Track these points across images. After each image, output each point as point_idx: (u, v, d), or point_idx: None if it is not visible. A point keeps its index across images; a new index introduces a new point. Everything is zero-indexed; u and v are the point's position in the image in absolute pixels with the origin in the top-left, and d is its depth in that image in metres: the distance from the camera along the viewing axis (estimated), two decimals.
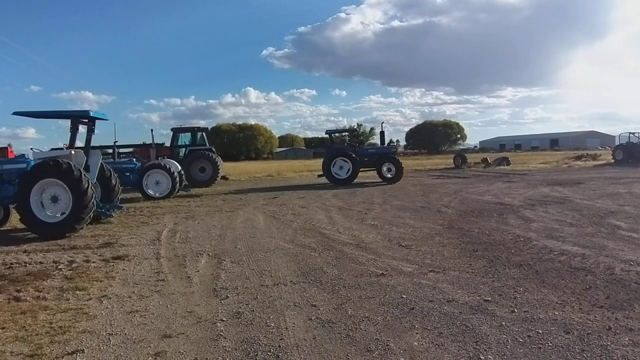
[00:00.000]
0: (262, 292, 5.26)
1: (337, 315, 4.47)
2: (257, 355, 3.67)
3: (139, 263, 6.79)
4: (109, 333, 4.17)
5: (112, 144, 20.04)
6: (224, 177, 24.00)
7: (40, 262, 6.95)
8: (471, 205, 12.18)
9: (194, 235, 8.97)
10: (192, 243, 8.18)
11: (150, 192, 16.04)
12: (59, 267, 6.62)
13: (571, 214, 9.99)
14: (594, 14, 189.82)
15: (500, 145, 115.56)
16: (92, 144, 10.95)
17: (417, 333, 4.00)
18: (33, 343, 3.95)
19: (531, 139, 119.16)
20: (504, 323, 4.14)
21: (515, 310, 4.44)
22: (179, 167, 18.11)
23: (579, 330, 3.93)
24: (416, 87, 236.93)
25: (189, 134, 23.20)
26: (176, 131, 23.09)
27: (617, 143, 37.07)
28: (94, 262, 6.86)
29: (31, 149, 10.66)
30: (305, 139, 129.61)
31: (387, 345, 3.78)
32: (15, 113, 10.04)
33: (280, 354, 3.66)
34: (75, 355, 3.73)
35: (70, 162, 9.11)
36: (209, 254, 7.25)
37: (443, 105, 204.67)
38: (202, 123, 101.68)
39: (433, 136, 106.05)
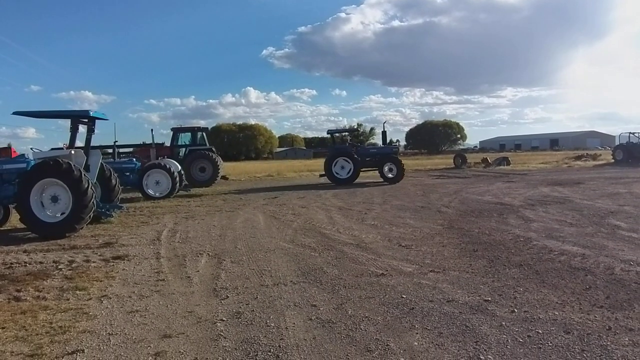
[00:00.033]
0: (262, 292, 5.26)
1: (337, 315, 4.47)
2: (257, 355, 3.67)
3: (139, 263, 6.79)
4: (109, 333, 4.17)
5: (112, 143, 20.05)
6: (224, 177, 24.00)
7: (40, 262, 6.95)
8: (471, 205, 12.18)
9: (194, 235, 8.97)
10: (192, 243, 8.18)
11: (150, 192, 16.04)
12: (59, 267, 6.62)
13: (571, 214, 9.99)
14: (594, 14, 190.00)
15: (500, 145, 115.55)
16: (92, 143, 10.95)
17: (417, 333, 4.00)
18: (33, 343, 3.95)
19: (531, 139, 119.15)
20: (504, 323, 4.14)
21: (515, 310, 4.44)
22: (179, 167, 18.11)
23: (579, 330, 3.93)
24: (416, 87, 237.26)
25: (189, 133, 23.20)
26: (176, 131, 23.10)
27: (617, 143, 37.05)
28: (94, 262, 6.86)
29: (31, 148, 10.67)
30: (305, 138, 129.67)
31: (387, 345, 3.78)
32: (15, 113, 10.05)
33: (280, 354, 3.66)
34: (75, 355, 3.73)
35: (70, 162, 9.11)
36: (209, 254, 7.25)
37: (443, 105, 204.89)
38: (202, 123, 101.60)
39: (433, 136, 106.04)
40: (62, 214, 9.11)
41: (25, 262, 6.96)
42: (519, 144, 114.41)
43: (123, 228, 9.95)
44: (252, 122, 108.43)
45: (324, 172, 20.91)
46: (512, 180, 20.13)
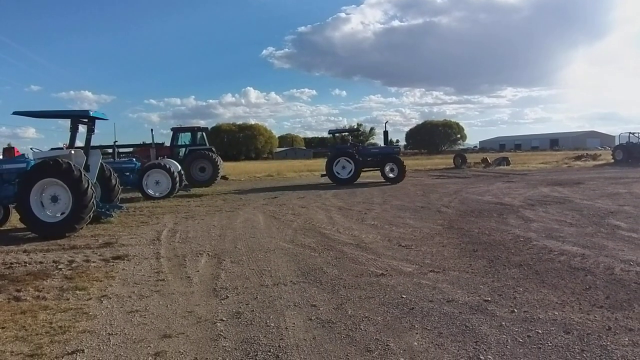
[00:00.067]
0: (262, 292, 5.26)
1: (337, 315, 4.47)
2: (257, 355, 3.67)
3: (139, 263, 6.79)
4: (109, 333, 4.17)
5: (112, 143, 20.05)
6: (224, 177, 24.00)
7: (40, 262, 6.95)
8: (471, 205, 12.18)
9: (194, 235, 8.97)
10: (192, 243, 8.18)
11: (150, 191, 16.04)
12: (59, 266, 6.62)
13: (571, 214, 9.99)
14: (594, 14, 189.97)
15: (500, 145, 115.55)
16: (92, 143, 10.96)
17: (417, 333, 4.01)
18: (33, 343, 3.95)
19: (531, 139, 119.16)
20: (503, 323, 4.15)
21: (515, 310, 4.44)
22: (179, 167, 18.11)
23: (578, 331, 3.94)
24: (416, 87, 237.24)
25: (189, 133, 23.20)
26: (176, 131, 23.10)
27: (617, 143, 37.07)
28: (94, 262, 6.86)
29: (31, 148, 10.67)
30: (305, 138, 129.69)
31: (387, 345, 3.78)
32: (15, 113, 10.05)
33: (280, 354, 3.66)
34: (75, 355, 3.74)
35: (70, 162, 9.11)
36: (209, 254, 7.25)
37: (443, 105, 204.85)
38: (202, 123, 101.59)
39: (433, 136, 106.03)
40: (62, 213, 9.11)
41: (25, 262, 6.96)
42: (518, 144, 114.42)
43: (123, 228, 9.95)
44: (252, 122, 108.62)
45: (325, 172, 20.92)
46: (512, 180, 20.13)
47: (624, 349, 3.58)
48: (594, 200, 12.13)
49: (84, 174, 9.21)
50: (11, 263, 6.91)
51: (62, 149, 10.78)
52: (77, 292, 5.37)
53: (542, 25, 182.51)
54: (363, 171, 21.05)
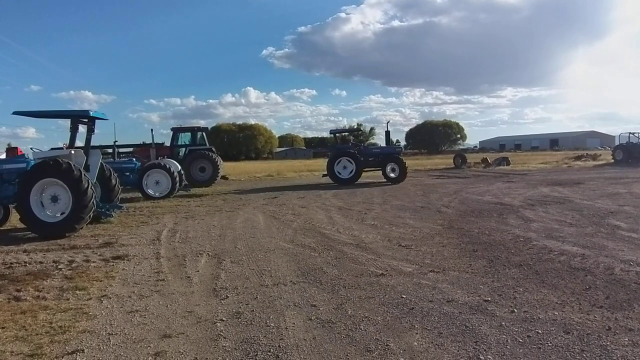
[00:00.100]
0: (262, 292, 5.26)
1: (337, 315, 4.47)
2: (257, 355, 3.67)
3: (139, 263, 6.80)
4: (108, 333, 4.17)
5: (112, 143, 20.06)
6: (224, 177, 24.00)
7: (40, 262, 6.95)
8: (471, 205, 12.18)
9: (194, 235, 8.97)
10: (192, 243, 8.18)
11: (150, 191, 16.04)
12: (59, 266, 6.62)
13: (571, 214, 9.99)
14: (594, 14, 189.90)
15: (500, 145, 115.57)
16: (92, 143, 10.96)
17: (416, 333, 4.01)
18: (33, 343, 3.95)
19: (531, 139, 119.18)
20: (503, 323, 4.15)
21: (515, 311, 4.44)
22: (179, 167, 18.11)
23: (578, 331, 3.94)
24: (416, 87, 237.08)
25: (189, 133, 23.21)
26: (176, 131, 23.10)
27: (617, 143, 37.07)
28: (93, 262, 6.86)
29: (31, 148, 10.67)
30: (305, 138, 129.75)
31: (387, 345, 3.78)
32: (15, 113, 10.06)
33: (280, 354, 3.66)
34: (75, 355, 3.74)
35: (70, 162, 9.11)
36: (208, 254, 7.25)
37: (443, 105, 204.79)
38: (202, 123, 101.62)
39: (433, 136, 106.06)
40: (62, 213, 9.11)
41: (25, 262, 6.96)
42: (518, 144, 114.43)
43: (123, 228, 9.95)
44: (252, 122, 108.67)
45: (326, 172, 20.94)
46: (512, 180, 20.13)
47: (624, 349, 3.58)
48: (594, 200, 12.13)
49: (84, 174, 9.21)
50: (11, 263, 6.91)
51: (62, 149, 10.78)
52: (77, 292, 5.37)
53: (542, 25, 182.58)
54: (364, 171, 21.06)
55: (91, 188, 9.26)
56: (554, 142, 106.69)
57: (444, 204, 12.59)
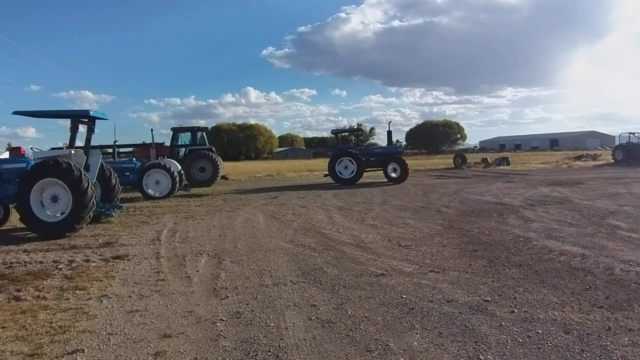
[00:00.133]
0: (262, 292, 5.26)
1: (337, 315, 4.47)
2: (257, 355, 3.67)
3: (139, 263, 6.80)
4: (109, 333, 4.17)
5: (112, 143, 20.05)
6: (224, 177, 23.99)
7: (40, 262, 6.95)
8: (471, 205, 12.18)
9: (194, 235, 8.97)
10: (192, 243, 8.18)
11: (150, 191, 16.04)
12: (59, 266, 6.62)
13: (571, 214, 9.99)
14: (594, 14, 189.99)
15: (500, 145, 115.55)
16: (92, 143, 10.96)
17: (416, 333, 4.01)
18: (33, 342, 3.95)
19: (531, 139, 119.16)
20: (503, 323, 4.15)
21: (515, 311, 4.44)
22: (179, 167, 18.11)
23: (578, 331, 3.94)
24: (416, 87, 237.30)
25: (189, 133, 23.20)
26: (176, 131, 23.09)
27: (617, 143, 37.08)
28: (94, 262, 6.86)
29: (31, 148, 10.68)
30: (305, 138, 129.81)
31: (387, 345, 3.78)
32: (15, 112, 10.06)
33: (280, 354, 3.66)
34: (75, 354, 3.74)
35: (70, 162, 9.11)
36: (208, 254, 7.25)
37: (443, 105, 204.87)
38: (202, 123, 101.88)
39: (433, 136, 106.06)
40: (62, 213, 9.11)
41: (25, 262, 6.96)
42: (518, 144, 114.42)
43: (123, 228, 9.95)
44: (252, 122, 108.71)
45: (327, 172, 20.94)
46: (512, 180, 20.13)
47: (624, 349, 3.58)
48: (594, 201, 12.13)
49: (84, 174, 9.21)
50: (11, 263, 6.91)
51: (62, 148, 10.78)
52: (77, 291, 5.37)
53: (542, 25, 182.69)
54: (366, 171, 21.07)
55: (91, 188, 9.26)
56: (554, 142, 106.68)
57: (444, 204, 12.59)
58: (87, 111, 10.16)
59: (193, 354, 3.70)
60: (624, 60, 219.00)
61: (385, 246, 7.51)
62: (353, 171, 20.28)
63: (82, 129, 10.34)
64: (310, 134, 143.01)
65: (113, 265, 6.67)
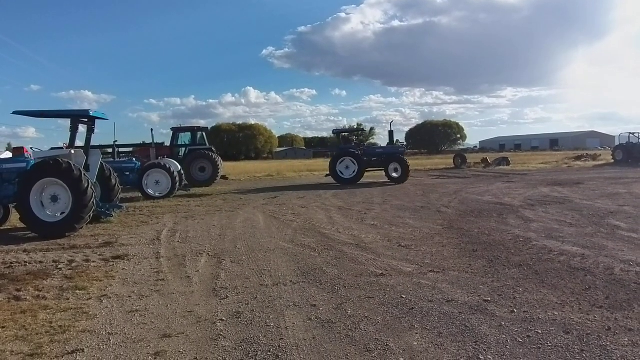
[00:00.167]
0: (261, 292, 5.26)
1: (336, 315, 4.47)
2: (256, 355, 3.67)
3: (139, 263, 6.80)
4: (108, 332, 4.17)
5: (112, 143, 20.06)
6: (223, 177, 23.99)
7: (40, 262, 6.96)
8: (471, 205, 12.18)
9: (194, 234, 8.97)
10: (192, 243, 8.18)
11: (150, 191, 16.04)
12: (59, 266, 6.62)
13: (571, 214, 9.99)
14: (594, 14, 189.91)
15: (500, 145, 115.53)
16: (92, 143, 10.96)
17: (416, 333, 4.01)
18: (33, 342, 3.95)
19: (531, 139, 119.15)
20: (503, 323, 4.15)
21: (515, 311, 4.45)
22: (179, 167, 18.11)
23: (578, 331, 3.94)
24: (416, 87, 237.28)
25: (189, 133, 23.20)
26: (176, 131, 23.09)
27: (617, 143, 37.06)
28: (93, 262, 6.86)
29: (31, 148, 10.68)
30: (305, 138, 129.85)
31: (387, 345, 3.78)
32: (15, 112, 10.07)
33: (280, 354, 3.67)
34: (75, 354, 3.74)
35: (70, 162, 9.11)
36: (208, 254, 7.25)
37: (443, 105, 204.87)
38: (202, 123, 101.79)
39: (433, 136, 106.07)
40: (62, 213, 9.11)
41: (25, 262, 6.96)
42: (518, 144, 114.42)
43: (123, 228, 9.95)
44: (252, 122, 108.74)
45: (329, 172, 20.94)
46: (512, 180, 20.13)
47: (624, 349, 3.58)
48: (594, 201, 12.13)
49: (84, 174, 9.21)
50: (11, 263, 6.91)
51: (62, 148, 10.78)
52: (77, 291, 5.37)
53: (542, 25, 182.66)
54: (367, 171, 21.07)
55: (91, 188, 9.26)
56: (554, 142, 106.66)
57: (443, 204, 12.59)
58: (87, 111, 10.17)
59: (193, 354, 3.71)
60: (624, 60, 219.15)
61: (385, 246, 7.51)
62: (354, 171, 20.29)
63: (82, 129, 10.34)
64: (310, 134, 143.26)
65: (113, 265, 6.67)
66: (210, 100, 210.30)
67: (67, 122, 10.21)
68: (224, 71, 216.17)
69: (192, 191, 18.22)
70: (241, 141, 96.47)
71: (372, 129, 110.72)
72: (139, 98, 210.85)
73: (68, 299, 5.12)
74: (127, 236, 8.92)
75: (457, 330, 4.03)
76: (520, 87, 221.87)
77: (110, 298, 5.15)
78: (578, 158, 37.92)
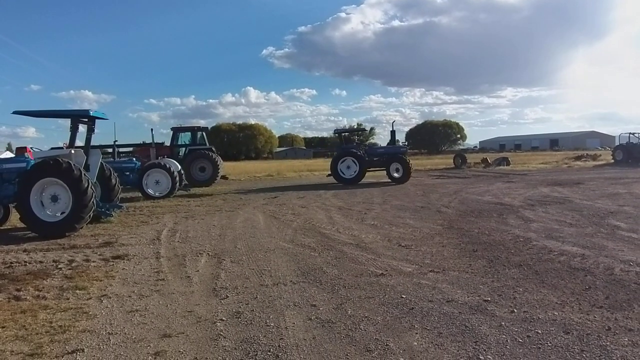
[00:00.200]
0: (261, 292, 5.26)
1: (336, 315, 4.47)
2: (256, 355, 3.67)
3: (139, 262, 6.80)
4: (108, 332, 4.17)
5: (112, 143, 20.07)
6: (223, 177, 23.99)
7: (40, 261, 6.95)
8: (471, 205, 12.18)
9: (194, 234, 8.97)
10: (192, 242, 8.18)
11: (150, 191, 16.04)
12: (59, 266, 6.62)
13: (571, 214, 9.99)
14: (594, 14, 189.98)
15: (500, 145, 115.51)
16: (92, 143, 10.96)
17: (416, 333, 4.01)
18: (33, 342, 3.95)
19: (531, 139, 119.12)
20: (503, 323, 4.15)
21: (515, 311, 4.45)
22: (179, 167, 18.10)
23: (578, 331, 3.94)
24: (416, 87, 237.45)
25: (189, 133, 23.20)
26: (176, 130, 23.10)
27: (617, 143, 37.06)
28: (93, 262, 6.86)
29: (31, 147, 10.67)
30: (305, 138, 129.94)
31: (387, 345, 3.78)
32: (15, 112, 10.07)
33: (280, 354, 3.66)
34: (75, 354, 3.74)
35: (70, 162, 9.12)
36: (208, 254, 7.25)
37: (443, 105, 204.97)
38: (202, 122, 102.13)
39: (433, 136, 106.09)
40: (62, 213, 9.11)
41: (25, 262, 6.96)
42: (518, 144, 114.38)
43: (123, 227, 9.95)
44: (252, 121, 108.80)
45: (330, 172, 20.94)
46: (512, 180, 20.13)
47: (624, 349, 3.58)
48: (594, 201, 12.13)
49: (84, 174, 9.21)
50: (11, 262, 6.91)
51: (62, 148, 10.78)
52: (77, 291, 5.37)
53: (542, 25, 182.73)
54: (368, 171, 21.06)
55: (91, 188, 9.26)
56: (554, 142, 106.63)
57: (444, 204, 12.59)
58: (87, 111, 10.17)
59: (193, 354, 3.71)
60: (624, 60, 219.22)
61: (385, 246, 7.51)
62: (355, 171, 20.29)
63: (82, 128, 10.34)
64: (310, 134, 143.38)
65: (113, 265, 6.67)
66: (210, 100, 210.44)
67: (67, 122, 10.21)
68: (224, 71, 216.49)
69: (192, 191, 18.22)
70: (241, 141, 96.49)
71: (372, 128, 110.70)
72: (139, 98, 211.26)
73: (68, 299, 5.12)
74: (127, 236, 8.92)
75: (457, 330, 4.03)
76: (520, 87, 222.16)
77: (110, 298, 5.15)
78: (578, 158, 37.92)
